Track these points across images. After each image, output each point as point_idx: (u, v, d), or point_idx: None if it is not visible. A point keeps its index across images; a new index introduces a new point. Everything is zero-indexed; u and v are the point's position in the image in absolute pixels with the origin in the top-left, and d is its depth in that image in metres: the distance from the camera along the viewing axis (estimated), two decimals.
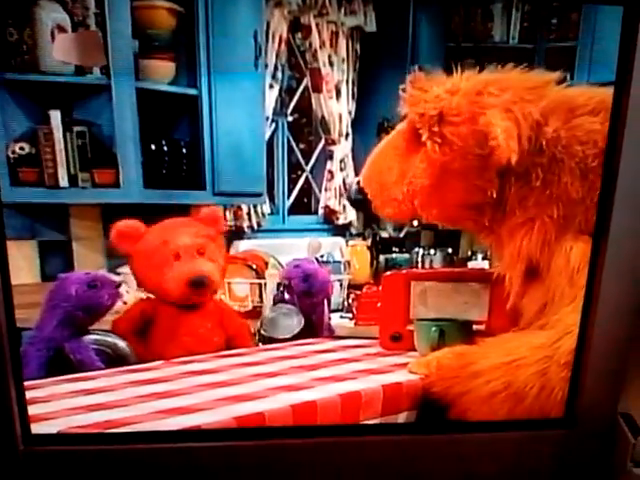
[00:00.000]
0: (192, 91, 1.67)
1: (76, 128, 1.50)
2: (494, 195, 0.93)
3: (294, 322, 1.29)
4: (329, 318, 1.37)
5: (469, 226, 1.01)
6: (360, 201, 1.07)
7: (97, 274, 1.15)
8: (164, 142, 1.63)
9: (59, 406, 0.87)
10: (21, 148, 1.44)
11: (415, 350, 1.10)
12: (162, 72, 1.63)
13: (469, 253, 1.80)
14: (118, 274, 1.30)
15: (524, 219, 0.93)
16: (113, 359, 1.13)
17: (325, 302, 1.34)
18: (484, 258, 1.72)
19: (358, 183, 1.10)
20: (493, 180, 0.93)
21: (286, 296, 1.33)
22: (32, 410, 0.80)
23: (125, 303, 1.28)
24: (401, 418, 0.95)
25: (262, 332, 1.29)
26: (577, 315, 0.83)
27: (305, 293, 1.29)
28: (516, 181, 0.92)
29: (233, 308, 1.39)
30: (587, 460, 0.86)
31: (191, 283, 1.20)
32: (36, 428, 0.79)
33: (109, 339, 1.14)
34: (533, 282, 0.96)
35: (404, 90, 0.98)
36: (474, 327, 1.08)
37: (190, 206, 1.53)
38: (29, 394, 0.81)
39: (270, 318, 1.30)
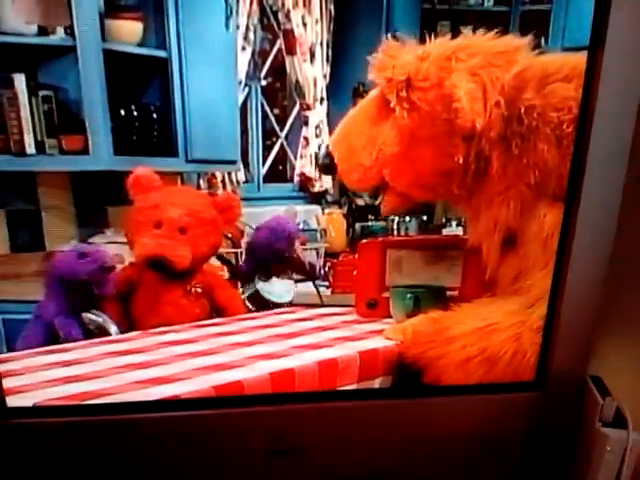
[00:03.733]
0: (161, 53, 1.62)
1: (42, 92, 1.45)
2: (460, 161, 0.93)
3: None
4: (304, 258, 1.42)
5: (441, 194, 1.02)
6: (327, 166, 1.07)
7: (94, 248, 1.16)
8: (134, 107, 1.59)
9: (35, 379, 0.86)
10: None
11: (391, 317, 1.12)
12: (129, 33, 1.57)
13: (443, 220, 1.81)
14: (90, 244, 1.29)
15: (502, 187, 0.94)
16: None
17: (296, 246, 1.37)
18: (458, 225, 1.74)
19: (327, 147, 1.10)
20: (459, 145, 0.93)
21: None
22: (7, 383, 0.80)
23: None
24: (377, 383, 0.97)
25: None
26: (548, 280, 0.85)
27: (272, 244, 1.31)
28: (493, 149, 0.92)
29: (223, 279, 1.38)
30: (557, 421, 0.89)
31: (148, 262, 1.19)
32: (12, 401, 0.79)
33: (99, 320, 1.14)
34: (509, 251, 0.97)
35: (374, 57, 0.98)
36: (448, 293, 1.11)
37: (162, 174, 1.51)
38: (3, 367, 0.80)
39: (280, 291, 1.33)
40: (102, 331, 1.13)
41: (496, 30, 0.95)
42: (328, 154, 1.07)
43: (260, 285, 1.32)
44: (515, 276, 0.97)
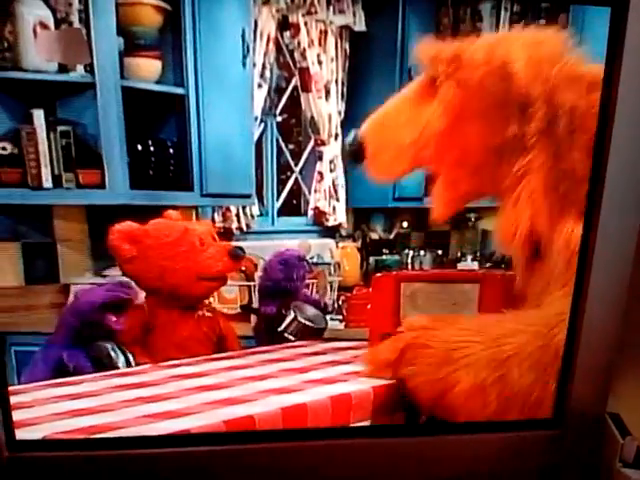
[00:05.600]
0: (179, 90, 1.67)
1: (60, 127, 1.48)
2: (515, 131, 0.91)
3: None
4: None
5: (488, 178, 0.96)
6: (354, 151, 1.04)
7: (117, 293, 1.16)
8: (150, 142, 1.63)
9: (44, 411, 0.86)
10: (3, 148, 1.43)
11: None
12: (148, 70, 1.62)
13: (458, 254, 1.82)
14: (104, 276, 1.30)
15: (531, 189, 0.92)
16: (106, 368, 1.13)
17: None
18: (473, 259, 1.73)
19: (356, 132, 1.05)
20: (515, 114, 0.91)
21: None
22: (17, 416, 0.80)
23: None
24: (390, 420, 0.95)
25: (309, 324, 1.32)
26: (568, 300, 0.84)
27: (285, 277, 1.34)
28: (537, 139, 0.90)
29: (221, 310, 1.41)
30: (576, 460, 0.87)
31: (232, 254, 1.25)
32: (21, 434, 0.79)
33: (109, 348, 1.14)
34: (535, 266, 0.95)
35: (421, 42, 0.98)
36: None
37: (177, 207, 1.53)
38: (13, 399, 0.80)
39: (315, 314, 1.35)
40: (111, 361, 1.13)
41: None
42: (356, 138, 1.03)
43: (297, 313, 1.33)
44: (540, 291, 0.94)
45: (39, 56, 1.42)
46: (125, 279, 1.22)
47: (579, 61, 0.92)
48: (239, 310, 1.48)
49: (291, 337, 1.30)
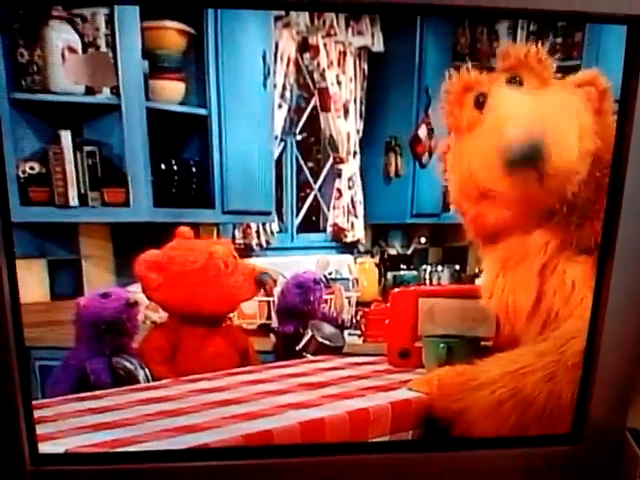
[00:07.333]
0: (202, 111, 1.69)
1: (86, 148, 1.51)
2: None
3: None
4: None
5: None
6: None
7: (114, 288, 1.20)
8: (174, 161, 1.65)
9: (66, 425, 0.87)
10: (31, 168, 1.46)
11: (423, 367, 1.10)
12: (172, 92, 1.65)
13: (476, 270, 1.80)
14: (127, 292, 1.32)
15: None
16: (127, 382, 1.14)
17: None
18: None
19: None
20: None
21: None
22: (40, 429, 0.81)
23: None
24: (410, 435, 0.95)
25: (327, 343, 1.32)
26: (578, 322, 0.84)
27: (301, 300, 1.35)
28: None
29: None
30: (594, 476, 0.85)
31: (258, 281, 1.27)
32: (44, 448, 0.80)
33: (129, 364, 1.16)
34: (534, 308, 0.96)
35: None
36: (482, 344, 1.09)
37: (199, 224, 1.55)
38: (36, 413, 0.81)
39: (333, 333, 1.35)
40: (131, 376, 1.14)
41: None
42: None
43: (314, 332, 1.33)
44: (539, 330, 0.95)
45: (67, 79, 1.45)
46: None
47: None
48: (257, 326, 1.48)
49: (309, 356, 1.30)
